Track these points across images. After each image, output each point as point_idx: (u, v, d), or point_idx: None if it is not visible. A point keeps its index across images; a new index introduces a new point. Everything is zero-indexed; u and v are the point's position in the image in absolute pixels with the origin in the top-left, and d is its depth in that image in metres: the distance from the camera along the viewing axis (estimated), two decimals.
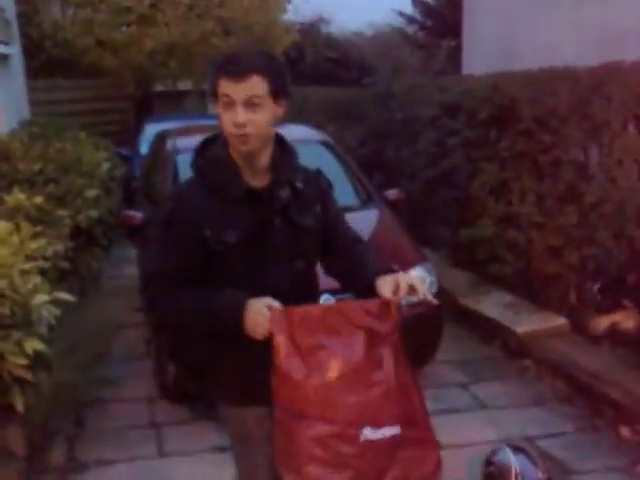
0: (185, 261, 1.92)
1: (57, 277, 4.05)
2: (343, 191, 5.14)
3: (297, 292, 1.98)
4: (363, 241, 2.21)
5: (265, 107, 1.86)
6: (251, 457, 2.12)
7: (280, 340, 1.83)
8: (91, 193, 5.25)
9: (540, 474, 2.96)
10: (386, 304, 1.90)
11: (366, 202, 5.07)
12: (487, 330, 4.96)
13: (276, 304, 1.85)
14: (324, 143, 5.50)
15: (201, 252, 1.91)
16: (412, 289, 1.91)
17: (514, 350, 4.66)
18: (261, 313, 1.83)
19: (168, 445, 3.72)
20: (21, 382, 3.18)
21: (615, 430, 3.68)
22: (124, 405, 4.17)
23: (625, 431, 3.65)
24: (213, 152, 1.98)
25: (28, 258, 3.47)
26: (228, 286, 1.92)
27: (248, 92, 1.82)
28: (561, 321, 4.71)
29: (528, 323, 4.74)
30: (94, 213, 5.17)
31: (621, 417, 3.70)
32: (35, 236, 3.73)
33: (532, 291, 5.06)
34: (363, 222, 4.88)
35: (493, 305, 5.14)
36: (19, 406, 3.16)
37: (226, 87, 1.84)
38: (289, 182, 2.00)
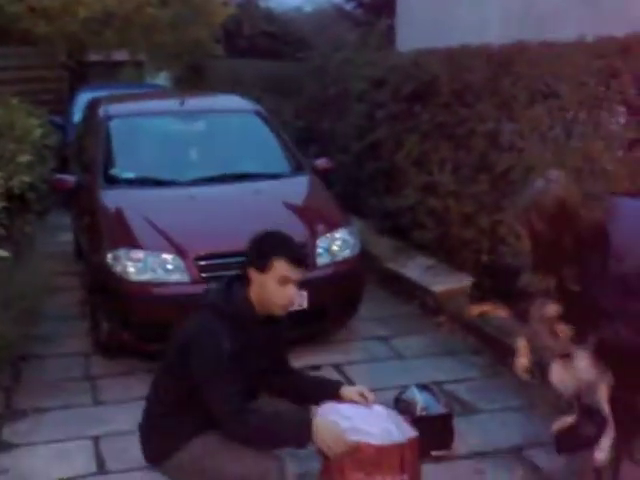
0: (239, 384, 2.35)
1: None
2: (275, 159, 5.40)
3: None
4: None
5: None
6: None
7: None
8: (24, 158, 5.27)
9: (442, 408, 3.32)
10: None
11: (296, 170, 5.33)
12: (408, 291, 5.32)
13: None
14: (256, 113, 5.69)
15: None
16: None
17: (431, 308, 5.02)
18: (337, 437, 2.29)
19: (103, 395, 3.92)
20: None
21: (517, 376, 4.06)
22: (59, 360, 4.34)
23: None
24: (238, 296, 2.44)
25: None
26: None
27: (302, 276, 2.44)
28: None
29: (444, 283, 5.10)
30: (27, 178, 5.21)
31: None
32: None
33: (450, 255, 5.43)
34: (293, 188, 5.17)
35: (414, 268, 5.49)
36: None
37: (288, 269, 2.38)
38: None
